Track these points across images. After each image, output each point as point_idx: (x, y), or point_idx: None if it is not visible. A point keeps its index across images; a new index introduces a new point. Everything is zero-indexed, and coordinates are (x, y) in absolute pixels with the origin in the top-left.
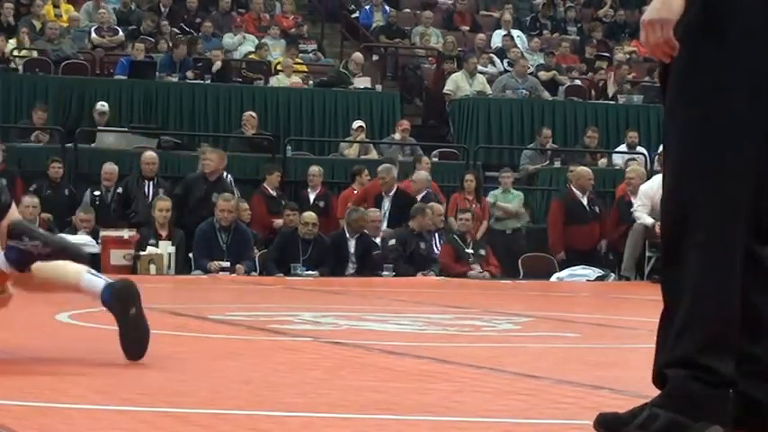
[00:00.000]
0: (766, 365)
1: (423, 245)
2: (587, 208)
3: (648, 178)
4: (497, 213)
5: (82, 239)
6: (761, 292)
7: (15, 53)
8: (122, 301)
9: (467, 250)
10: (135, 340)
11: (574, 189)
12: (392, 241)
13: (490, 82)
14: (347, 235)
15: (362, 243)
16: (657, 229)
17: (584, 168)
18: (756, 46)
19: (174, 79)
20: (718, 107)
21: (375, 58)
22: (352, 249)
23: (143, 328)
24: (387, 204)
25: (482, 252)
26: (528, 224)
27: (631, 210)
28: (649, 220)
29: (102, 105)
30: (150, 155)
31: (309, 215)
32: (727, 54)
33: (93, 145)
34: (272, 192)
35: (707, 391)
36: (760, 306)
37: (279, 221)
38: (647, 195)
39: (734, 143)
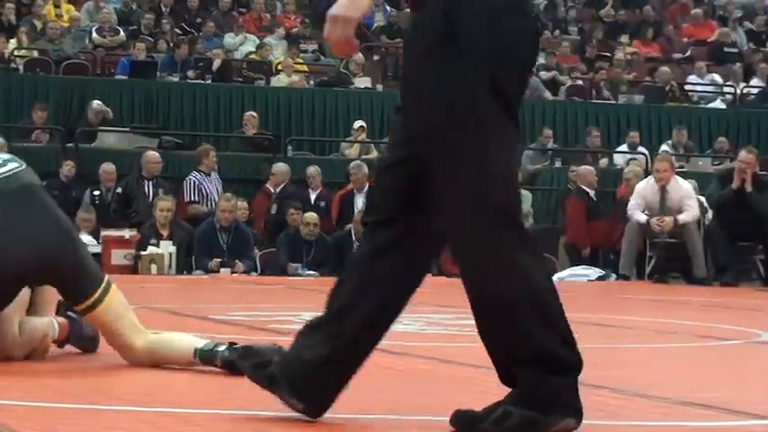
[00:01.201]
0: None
1: None
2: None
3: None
4: None
5: (82, 239)
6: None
7: (16, 53)
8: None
9: None
10: None
11: (583, 187)
12: None
13: None
14: (353, 238)
15: None
16: (652, 226)
17: (587, 167)
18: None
19: (175, 79)
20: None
21: (376, 57)
22: None
23: None
24: (360, 202)
25: None
26: (531, 225)
27: (627, 208)
28: (643, 217)
29: (97, 105)
30: (154, 155)
31: (311, 216)
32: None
33: (93, 145)
34: (273, 191)
35: (557, 382)
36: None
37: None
38: (641, 194)
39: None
